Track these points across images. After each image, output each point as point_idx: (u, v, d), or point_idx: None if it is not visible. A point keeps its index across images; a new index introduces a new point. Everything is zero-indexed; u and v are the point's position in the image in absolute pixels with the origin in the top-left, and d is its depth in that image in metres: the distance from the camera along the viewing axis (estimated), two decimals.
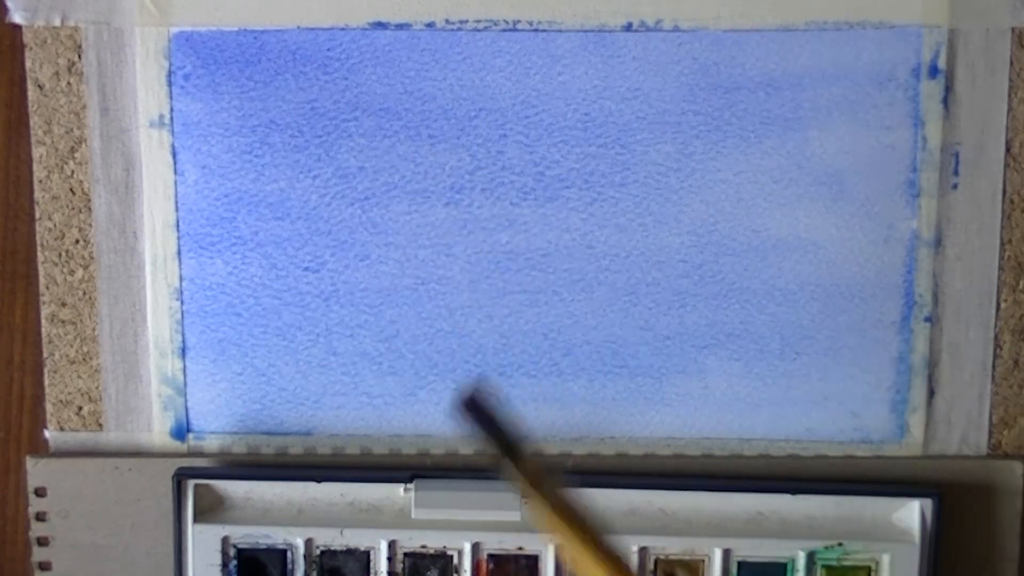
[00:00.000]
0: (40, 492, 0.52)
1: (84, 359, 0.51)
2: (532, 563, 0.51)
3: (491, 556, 0.51)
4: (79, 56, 0.49)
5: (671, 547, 0.51)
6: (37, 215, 0.50)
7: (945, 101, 0.49)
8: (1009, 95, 0.49)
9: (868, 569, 0.51)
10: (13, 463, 0.52)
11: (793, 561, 0.51)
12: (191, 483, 0.51)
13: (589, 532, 0.38)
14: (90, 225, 0.50)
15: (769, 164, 0.50)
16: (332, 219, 0.50)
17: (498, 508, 0.50)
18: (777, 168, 0.50)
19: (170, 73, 0.49)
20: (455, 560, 0.51)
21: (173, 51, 0.49)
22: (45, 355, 0.51)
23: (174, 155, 0.50)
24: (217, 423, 0.52)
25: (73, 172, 0.50)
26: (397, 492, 0.51)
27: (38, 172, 0.50)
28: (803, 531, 0.51)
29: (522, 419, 0.39)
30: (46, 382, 0.51)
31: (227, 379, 0.51)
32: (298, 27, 0.49)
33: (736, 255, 0.50)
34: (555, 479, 0.39)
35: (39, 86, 0.49)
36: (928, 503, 0.50)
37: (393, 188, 0.50)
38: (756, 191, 0.50)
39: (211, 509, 0.51)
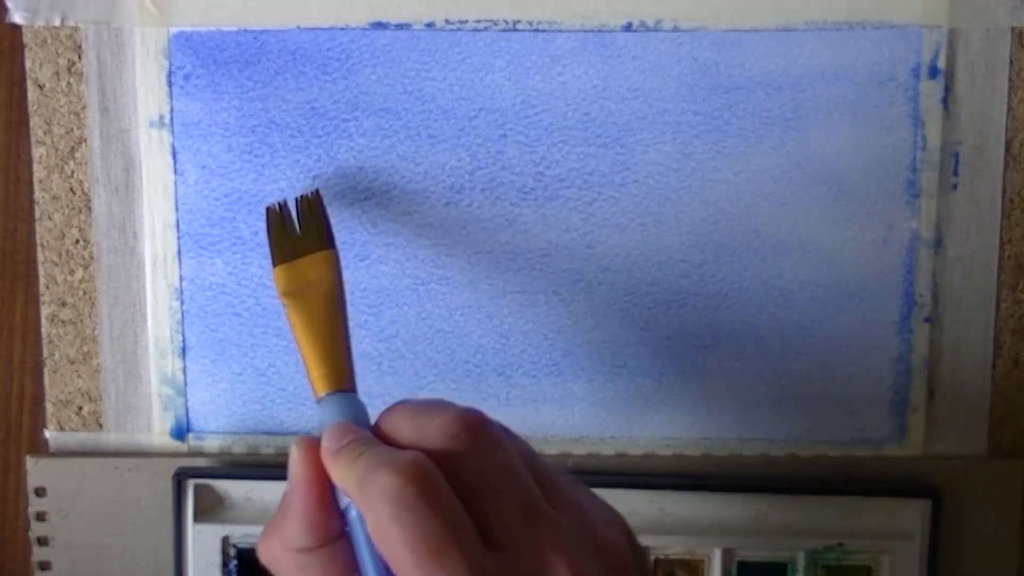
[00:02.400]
0: (40, 492, 0.52)
1: (84, 359, 0.51)
2: None
3: None
4: (79, 56, 0.49)
5: (671, 547, 0.51)
6: (37, 215, 0.50)
7: (945, 101, 0.49)
8: (1009, 95, 0.49)
9: (868, 569, 0.51)
10: (13, 463, 0.52)
11: (793, 561, 0.51)
12: (191, 483, 0.51)
13: (325, 346, 0.43)
14: (90, 225, 0.50)
15: (769, 164, 0.50)
16: (332, 219, 0.50)
17: None
18: (777, 168, 0.50)
19: (170, 73, 0.49)
20: None
21: (173, 51, 0.49)
22: (45, 355, 0.51)
23: (174, 155, 0.50)
24: (217, 423, 0.52)
25: (73, 172, 0.50)
26: None
27: (38, 172, 0.50)
28: (803, 531, 0.51)
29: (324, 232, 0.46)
30: (46, 382, 0.52)
31: (227, 379, 0.51)
32: (298, 27, 0.49)
33: (736, 255, 0.50)
34: (313, 292, 0.44)
35: (39, 86, 0.49)
36: (928, 503, 0.50)
37: (393, 188, 0.50)
38: (756, 191, 0.50)
39: (211, 509, 0.51)
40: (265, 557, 0.39)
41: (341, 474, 0.38)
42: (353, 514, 0.37)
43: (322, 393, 0.42)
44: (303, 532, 0.38)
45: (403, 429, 0.38)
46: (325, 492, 0.38)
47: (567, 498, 0.38)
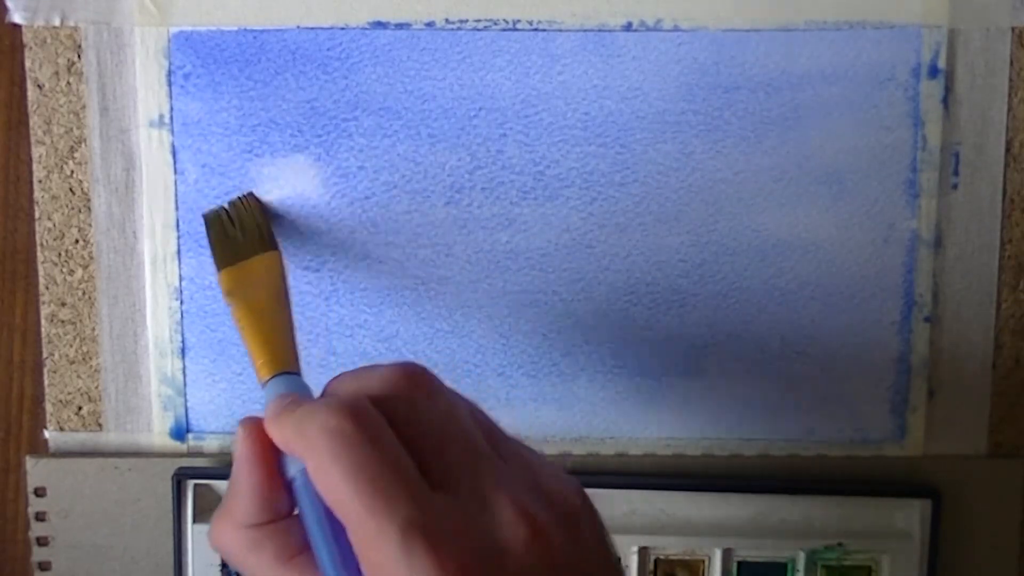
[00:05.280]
0: (40, 492, 0.52)
1: (84, 359, 0.51)
2: None
3: None
4: (79, 56, 0.49)
5: (671, 547, 0.51)
6: (37, 215, 0.50)
7: (945, 101, 0.49)
8: (1009, 95, 0.49)
9: (868, 569, 0.51)
10: (13, 463, 0.52)
11: (793, 561, 0.51)
12: (191, 483, 0.51)
13: (266, 334, 0.44)
14: (90, 225, 0.50)
15: (769, 164, 0.50)
16: (332, 219, 0.50)
17: None
18: (777, 168, 0.50)
19: (170, 73, 0.49)
20: None
21: (173, 51, 0.49)
22: (45, 355, 0.51)
23: (174, 155, 0.50)
24: (217, 423, 0.52)
25: (73, 172, 0.50)
26: None
27: (38, 172, 0.50)
28: (803, 531, 0.51)
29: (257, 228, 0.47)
30: (46, 382, 0.51)
31: (227, 379, 0.51)
32: (298, 27, 0.49)
33: (736, 255, 0.50)
34: (256, 290, 0.45)
35: (39, 86, 0.49)
36: (928, 503, 0.50)
37: (393, 187, 0.50)
38: (756, 191, 0.50)
39: (211, 509, 0.51)
40: (216, 540, 0.39)
41: (282, 430, 0.37)
42: (298, 482, 0.37)
43: (266, 377, 0.42)
44: (252, 508, 0.38)
45: (346, 387, 0.38)
46: (271, 466, 0.38)
47: (513, 450, 0.38)
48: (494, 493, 0.35)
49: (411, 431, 0.35)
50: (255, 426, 0.39)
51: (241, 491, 0.38)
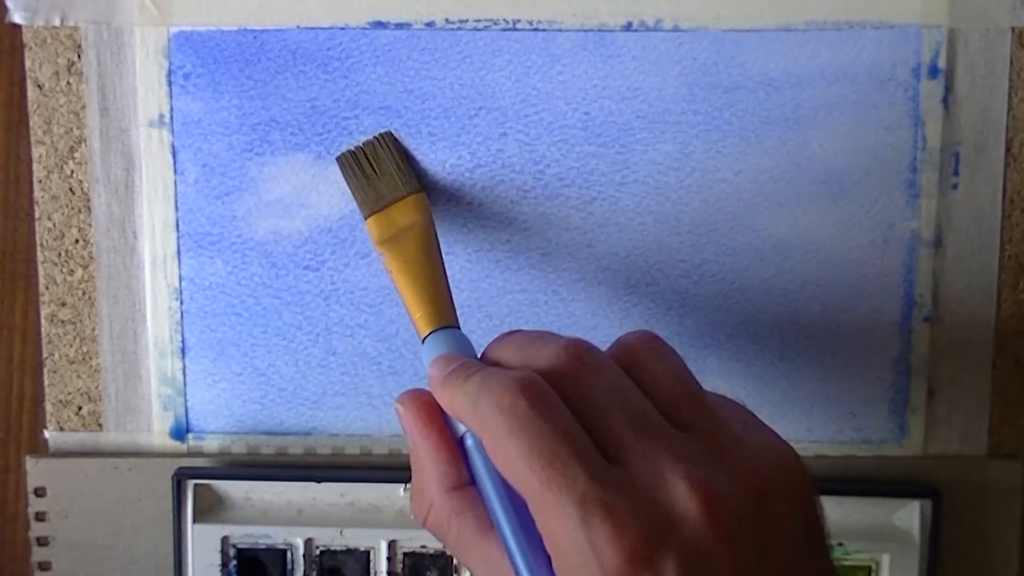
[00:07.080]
0: (40, 492, 0.52)
1: (84, 359, 0.51)
2: None
3: None
4: (79, 56, 0.49)
5: None
6: (37, 215, 0.50)
7: (945, 101, 0.49)
8: (1009, 95, 0.49)
9: (868, 569, 0.51)
10: (13, 463, 0.52)
11: None
12: (191, 483, 0.51)
13: (424, 286, 0.44)
14: (90, 225, 0.50)
15: (769, 164, 0.50)
16: (332, 218, 0.50)
17: None
18: (777, 168, 0.50)
19: (170, 73, 0.49)
20: (455, 560, 0.51)
21: (173, 51, 0.49)
22: (45, 355, 0.51)
23: (174, 154, 0.50)
24: (217, 423, 0.52)
25: (73, 172, 0.50)
26: (397, 492, 0.51)
27: (38, 172, 0.50)
28: None
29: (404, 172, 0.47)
30: (46, 382, 0.51)
31: (227, 379, 0.51)
32: (298, 27, 0.49)
33: (736, 255, 0.50)
34: (408, 237, 0.45)
35: (39, 86, 0.49)
36: (928, 503, 0.50)
37: None
38: (756, 191, 0.50)
39: (211, 509, 0.51)
40: (420, 513, 0.40)
41: (452, 398, 0.38)
42: (469, 442, 0.38)
43: (425, 332, 0.43)
44: (439, 471, 0.39)
45: (511, 358, 0.39)
46: (443, 427, 0.39)
47: (710, 418, 0.37)
48: (666, 465, 0.34)
49: (580, 407, 0.36)
50: (414, 396, 0.39)
51: (426, 463, 0.39)
